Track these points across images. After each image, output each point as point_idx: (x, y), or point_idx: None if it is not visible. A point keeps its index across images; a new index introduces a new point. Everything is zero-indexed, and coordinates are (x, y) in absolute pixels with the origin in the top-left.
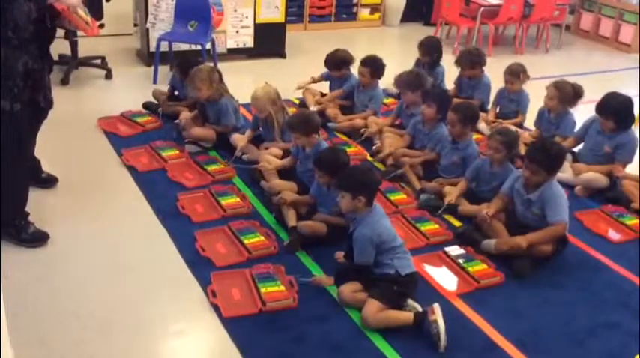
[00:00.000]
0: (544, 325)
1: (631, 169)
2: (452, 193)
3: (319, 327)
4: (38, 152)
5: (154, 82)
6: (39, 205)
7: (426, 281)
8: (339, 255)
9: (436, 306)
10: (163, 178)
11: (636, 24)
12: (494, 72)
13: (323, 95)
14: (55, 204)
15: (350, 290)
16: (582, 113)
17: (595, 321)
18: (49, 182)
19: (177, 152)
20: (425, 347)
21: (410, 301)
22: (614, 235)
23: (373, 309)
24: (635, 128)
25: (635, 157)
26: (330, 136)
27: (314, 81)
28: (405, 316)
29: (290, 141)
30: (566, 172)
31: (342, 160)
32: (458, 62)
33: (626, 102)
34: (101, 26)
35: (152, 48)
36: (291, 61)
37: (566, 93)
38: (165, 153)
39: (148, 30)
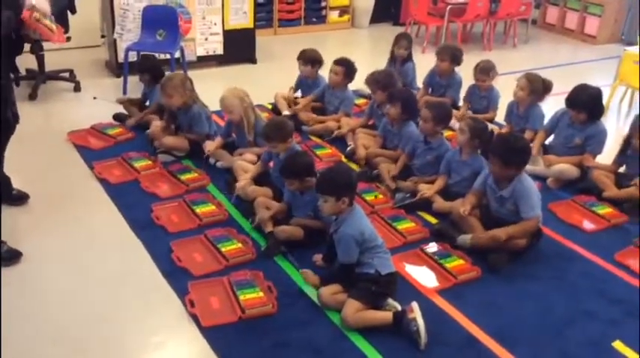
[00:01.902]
0: (522, 317)
1: (601, 159)
2: (429, 189)
3: (300, 332)
4: (8, 169)
5: (124, 92)
6: (11, 223)
7: (404, 279)
8: (317, 257)
9: (414, 305)
10: (137, 190)
11: (601, 16)
12: (464, 69)
13: (295, 98)
14: (27, 222)
15: (330, 292)
16: (551, 105)
17: (572, 311)
18: (20, 199)
19: (150, 162)
20: (406, 347)
21: (390, 301)
22: (587, 225)
23: (352, 310)
24: (604, 119)
25: (605, 147)
26: (303, 139)
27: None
28: (384, 316)
29: (263, 146)
30: (538, 165)
31: (305, 163)
32: (439, 53)
33: (595, 94)
34: (68, 39)
35: (120, 59)
36: (262, 66)
37: (537, 86)
38: (137, 164)
39: (115, 41)
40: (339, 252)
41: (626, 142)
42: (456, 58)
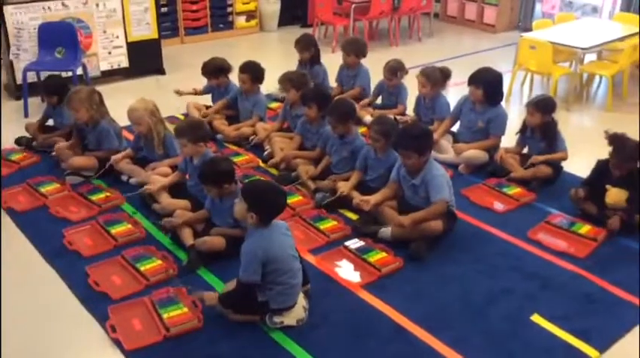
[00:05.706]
0: (446, 302)
1: (506, 142)
2: (345, 186)
3: (230, 343)
4: None
5: (25, 115)
6: None
7: (330, 277)
8: None
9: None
10: (46, 216)
11: (498, 5)
12: (373, 65)
13: (207, 108)
14: None
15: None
16: (458, 95)
17: (491, 289)
18: None
19: (58, 186)
20: (337, 350)
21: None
22: (498, 206)
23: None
24: (507, 103)
25: (509, 131)
26: (219, 148)
27: (196, 92)
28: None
29: (176, 156)
30: (448, 153)
31: (224, 169)
32: (344, 48)
33: (496, 76)
34: None
35: (19, 80)
36: (171, 77)
37: (436, 77)
38: (44, 189)
39: (12, 62)
40: (241, 268)
41: (525, 124)
42: (360, 52)
